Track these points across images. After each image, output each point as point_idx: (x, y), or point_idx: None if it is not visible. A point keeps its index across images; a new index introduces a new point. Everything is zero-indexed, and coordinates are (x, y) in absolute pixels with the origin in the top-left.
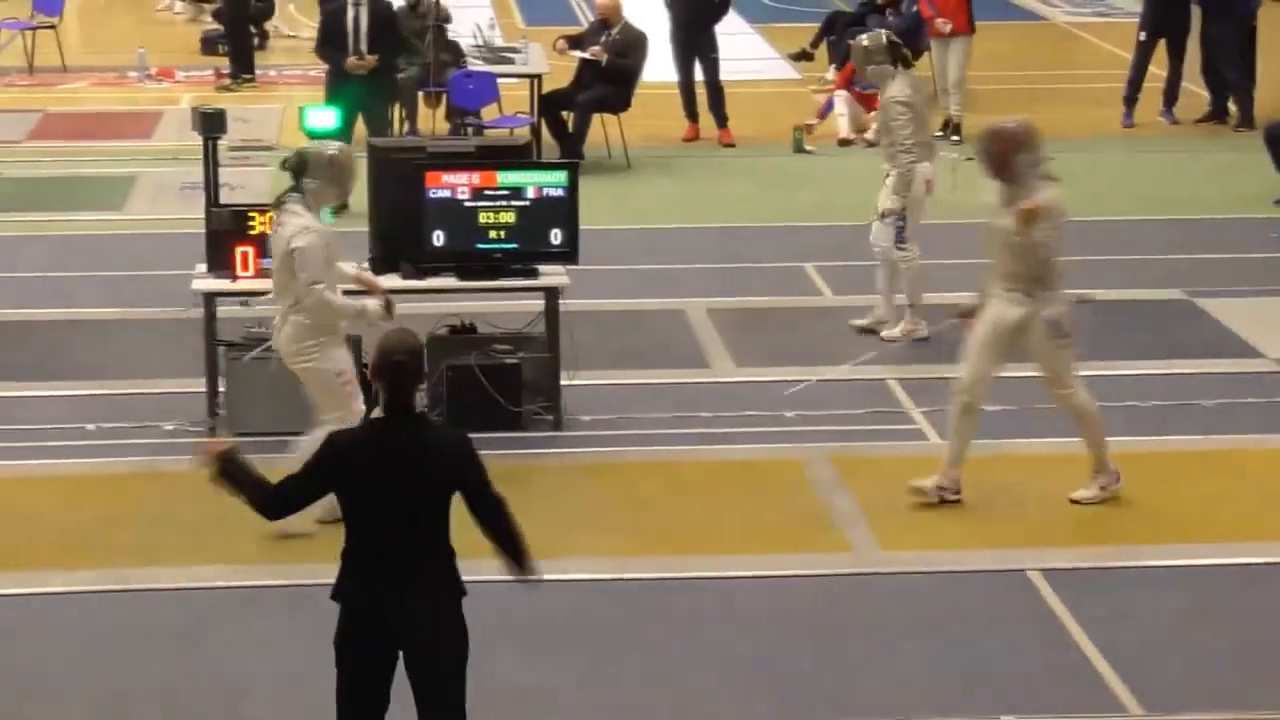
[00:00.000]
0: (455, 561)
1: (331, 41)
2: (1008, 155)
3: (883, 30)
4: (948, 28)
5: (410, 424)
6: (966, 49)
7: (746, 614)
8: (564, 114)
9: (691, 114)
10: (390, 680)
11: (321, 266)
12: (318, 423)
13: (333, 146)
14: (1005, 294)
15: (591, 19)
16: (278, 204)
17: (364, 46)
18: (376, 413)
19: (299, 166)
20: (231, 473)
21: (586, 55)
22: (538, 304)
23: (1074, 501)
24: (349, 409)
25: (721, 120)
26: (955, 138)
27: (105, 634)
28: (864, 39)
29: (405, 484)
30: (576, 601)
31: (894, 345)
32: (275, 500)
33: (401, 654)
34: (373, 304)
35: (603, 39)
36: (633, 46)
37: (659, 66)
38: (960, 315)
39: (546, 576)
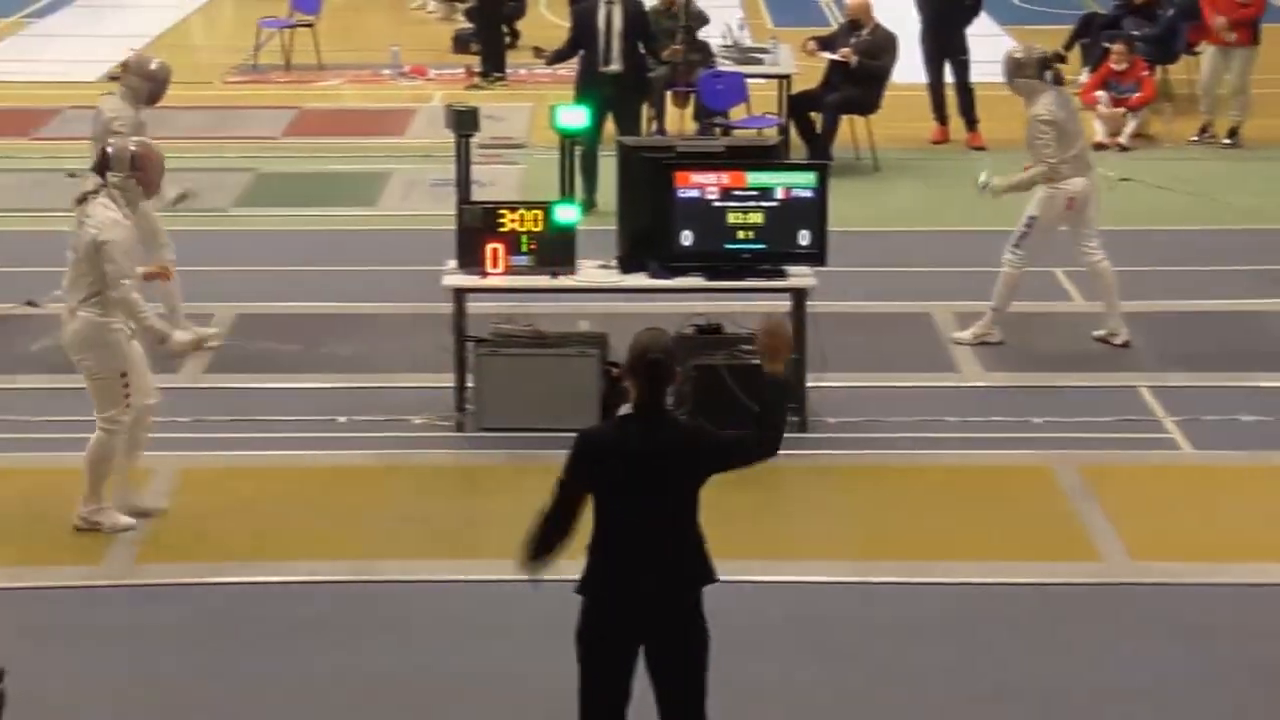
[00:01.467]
0: (705, 552)
1: (582, 41)
2: None
3: (1036, 45)
4: (1232, 36)
5: (660, 420)
6: (1250, 60)
7: (994, 621)
8: (812, 115)
9: (941, 116)
10: (632, 675)
11: (130, 262)
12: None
13: (135, 142)
14: None
15: (841, 20)
16: (83, 198)
17: (616, 45)
18: (625, 409)
19: (103, 163)
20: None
21: (836, 56)
22: (784, 305)
23: None
24: (120, 409)
25: (971, 123)
26: (1227, 140)
27: (351, 624)
28: (1016, 50)
29: (651, 479)
30: (820, 603)
31: (1084, 350)
32: (549, 530)
33: (644, 649)
34: (180, 336)
35: (852, 40)
36: (882, 48)
37: (909, 68)
38: None
39: (789, 578)
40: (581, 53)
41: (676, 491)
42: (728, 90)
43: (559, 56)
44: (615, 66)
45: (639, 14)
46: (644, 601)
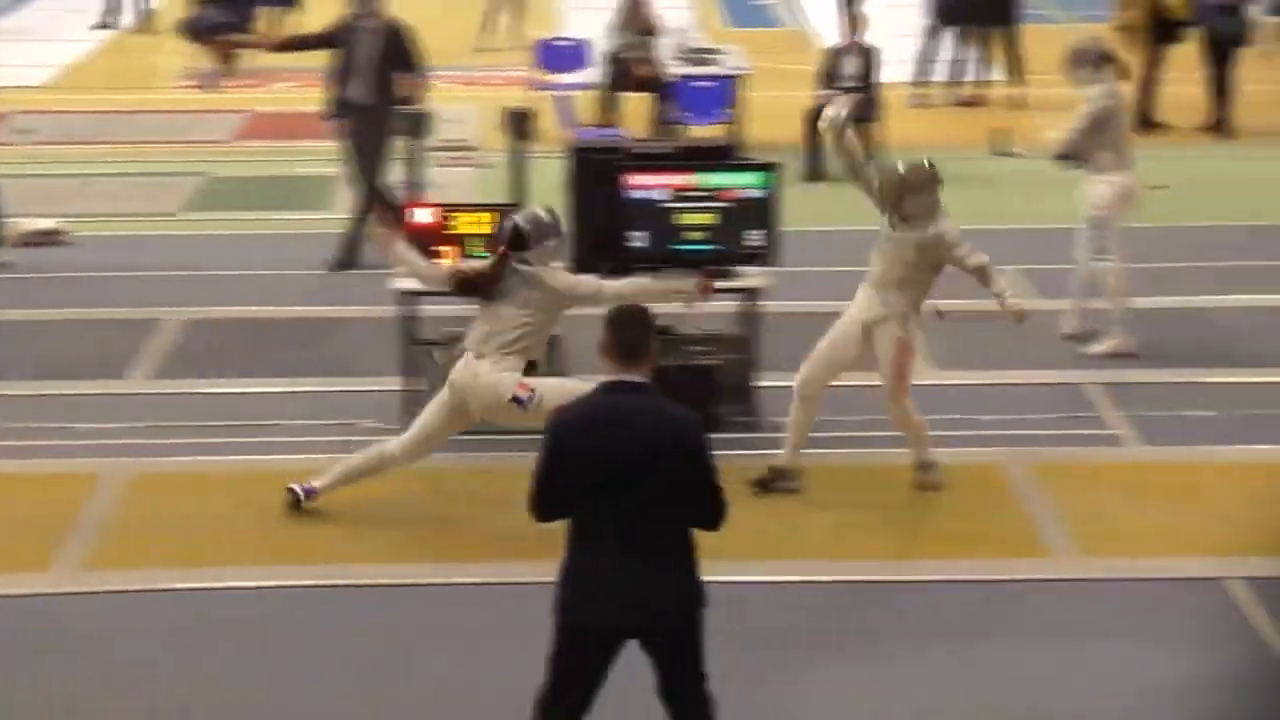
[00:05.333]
0: (697, 569)
1: (337, 62)
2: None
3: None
4: None
5: (644, 388)
6: None
7: (944, 618)
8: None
9: None
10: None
11: None
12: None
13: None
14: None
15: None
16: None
17: (369, 73)
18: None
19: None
20: None
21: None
22: (736, 306)
23: None
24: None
25: None
26: None
27: (303, 628)
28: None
29: (637, 453)
30: (767, 604)
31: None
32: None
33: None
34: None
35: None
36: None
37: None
38: None
39: (732, 579)
40: (331, 74)
41: (664, 477)
42: (710, 96)
43: (296, 44)
44: (362, 97)
45: (398, 38)
46: (630, 620)
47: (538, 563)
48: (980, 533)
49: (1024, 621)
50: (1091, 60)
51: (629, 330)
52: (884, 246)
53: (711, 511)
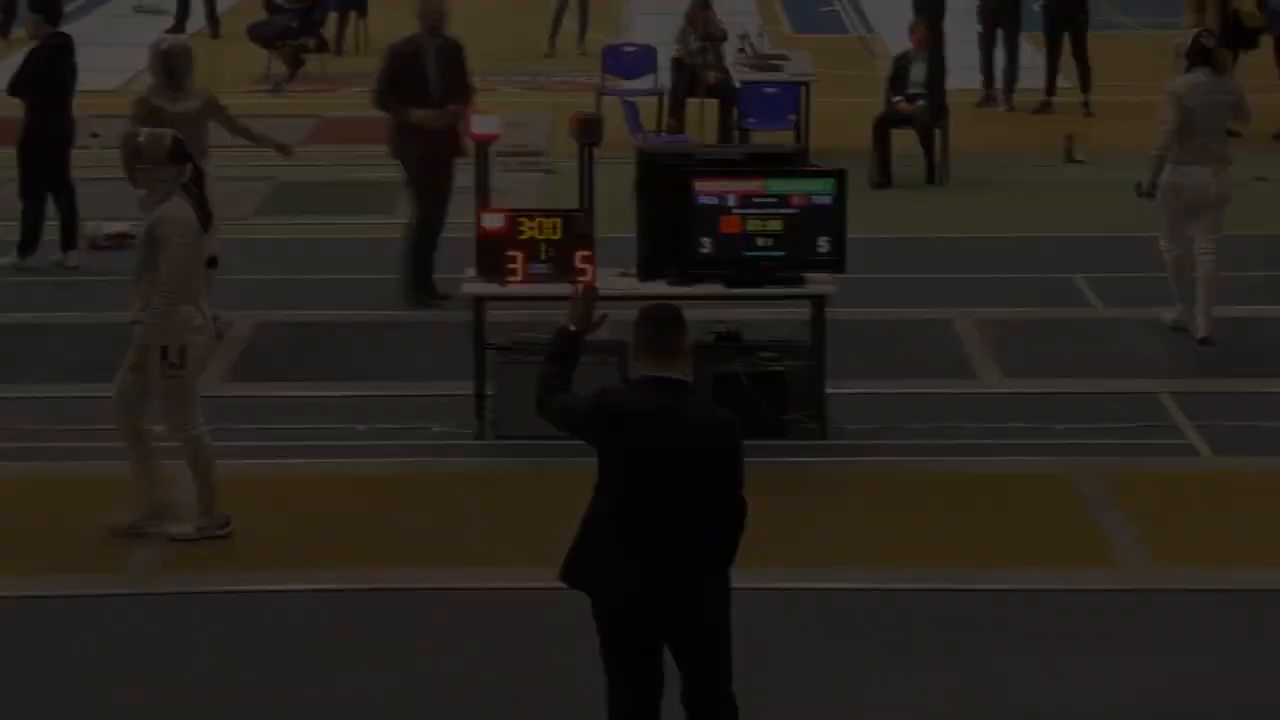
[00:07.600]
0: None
1: (404, 88)
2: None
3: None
4: None
5: (682, 387)
6: None
7: (1007, 627)
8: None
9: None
10: (660, 662)
11: None
12: None
13: None
14: None
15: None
16: None
17: (439, 91)
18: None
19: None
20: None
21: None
22: (804, 312)
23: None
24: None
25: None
26: None
27: (375, 633)
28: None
29: (672, 452)
30: (840, 610)
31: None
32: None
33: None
34: None
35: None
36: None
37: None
38: None
39: (807, 585)
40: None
41: (695, 475)
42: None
43: (385, 103)
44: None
45: (460, 52)
46: (658, 596)
47: None
48: (1051, 543)
49: (1095, 630)
50: (1184, 53)
51: (662, 327)
52: None
53: (734, 512)
